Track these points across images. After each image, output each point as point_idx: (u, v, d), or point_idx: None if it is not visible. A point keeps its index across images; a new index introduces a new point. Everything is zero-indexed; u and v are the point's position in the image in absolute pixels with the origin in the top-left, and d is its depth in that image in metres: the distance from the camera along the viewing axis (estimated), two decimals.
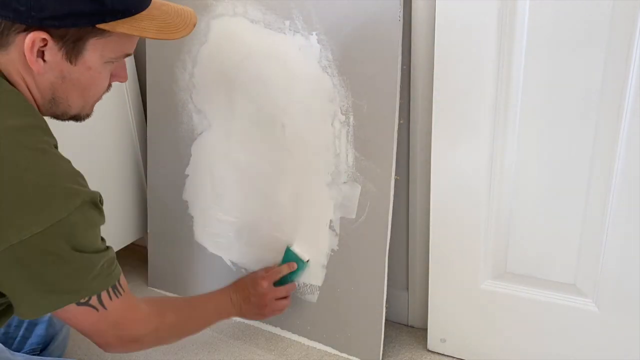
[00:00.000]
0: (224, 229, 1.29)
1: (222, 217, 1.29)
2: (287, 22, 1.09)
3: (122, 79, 0.84)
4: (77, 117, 0.84)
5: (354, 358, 1.17)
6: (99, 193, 0.75)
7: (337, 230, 1.14)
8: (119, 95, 1.35)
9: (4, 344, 1.00)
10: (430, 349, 1.20)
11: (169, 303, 1.01)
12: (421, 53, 1.03)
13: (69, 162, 0.75)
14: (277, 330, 1.27)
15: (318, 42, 1.06)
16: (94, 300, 0.77)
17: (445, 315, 1.15)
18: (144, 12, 0.75)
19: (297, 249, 1.19)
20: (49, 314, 1.07)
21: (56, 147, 0.76)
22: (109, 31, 0.73)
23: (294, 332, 1.25)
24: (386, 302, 1.12)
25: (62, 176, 0.71)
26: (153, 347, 0.94)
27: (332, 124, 1.09)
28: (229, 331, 1.29)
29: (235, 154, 1.23)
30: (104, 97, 0.85)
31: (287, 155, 1.16)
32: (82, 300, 0.75)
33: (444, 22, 0.95)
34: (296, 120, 1.14)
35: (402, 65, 1.02)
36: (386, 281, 1.11)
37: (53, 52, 0.72)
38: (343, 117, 1.08)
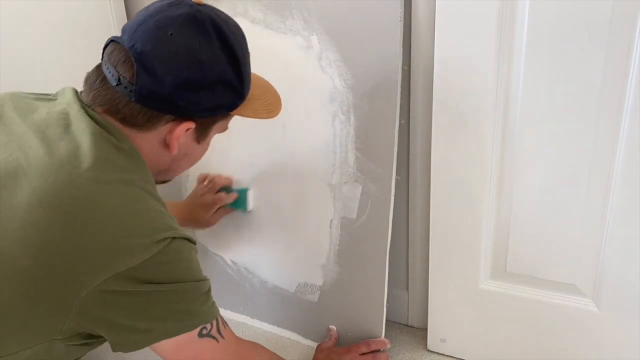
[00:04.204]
0: (225, 228, 1.29)
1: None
2: (288, 23, 1.09)
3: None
4: (165, 182, 0.91)
5: None
6: (192, 236, 0.78)
7: (338, 230, 1.14)
8: None
9: None
10: (430, 349, 1.20)
11: (257, 348, 0.98)
12: (421, 53, 1.04)
13: (164, 208, 0.77)
14: (277, 330, 1.27)
15: (319, 43, 1.07)
16: (214, 330, 0.78)
17: (445, 315, 1.16)
18: (251, 92, 0.84)
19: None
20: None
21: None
22: (231, 114, 0.83)
23: (294, 332, 1.25)
24: (386, 302, 1.12)
25: (157, 217, 0.73)
26: None
27: (332, 124, 1.09)
28: None
29: (236, 153, 1.23)
30: None
31: (288, 155, 1.16)
32: (203, 332, 0.77)
33: (444, 22, 0.95)
34: (297, 120, 1.14)
35: (403, 65, 1.02)
36: (386, 281, 1.11)
37: (189, 136, 0.80)
38: (344, 117, 1.08)
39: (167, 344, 0.74)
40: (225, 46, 0.76)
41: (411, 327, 1.28)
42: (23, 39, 1.13)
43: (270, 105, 0.89)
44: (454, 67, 0.98)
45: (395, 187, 1.07)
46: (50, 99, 0.80)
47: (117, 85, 0.73)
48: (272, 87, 0.93)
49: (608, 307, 1.00)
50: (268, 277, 1.26)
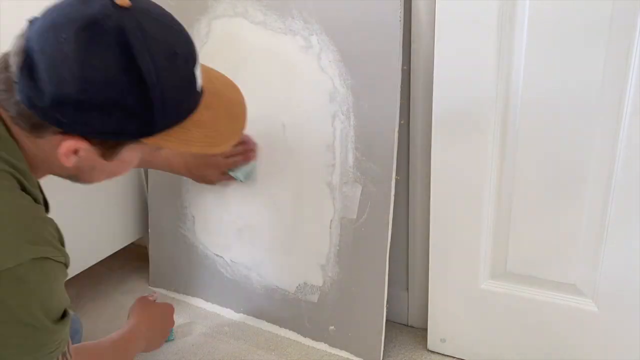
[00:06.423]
0: (225, 228, 1.29)
1: (222, 216, 1.29)
2: (288, 23, 1.09)
3: None
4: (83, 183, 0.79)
5: (355, 358, 1.17)
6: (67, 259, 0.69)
7: (338, 231, 1.14)
8: None
9: None
10: (430, 349, 1.20)
11: (96, 353, 0.94)
12: (421, 53, 1.04)
13: (46, 221, 0.69)
14: (277, 330, 1.27)
15: (318, 43, 1.07)
16: None
17: (445, 315, 1.16)
18: (195, 113, 0.70)
19: None
20: None
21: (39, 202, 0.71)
22: (147, 143, 0.69)
23: (294, 332, 1.25)
24: (386, 302, 1.12)
25: (35, 228, 0.66)
26: None
27: (332, 124, 1.09)
28: (229, 331, 1.29)
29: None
30: None
31: (288, 155, 1.16)
32: None
33: (444, 22, 0.95)
34: (297, 121, 1.14)
35: (403, 65, 1.02)
36: (386, 281, 1.11)
37: (89, 152, 0.68)
38: (343, 117, 1.08)
39: None
40: (131, 66, 0.62)
41: (411, 327, 1.28)
42: None
43: (214, 138, 0.73)
44: (454, 67, 0.98)
45: (395, 187, 1.07)
46: None
47: (5, 71, 0.64)
48: (241, 109, 0.79)
49: (608, 307, 1.00)
50: (268, 277, 1.26)
